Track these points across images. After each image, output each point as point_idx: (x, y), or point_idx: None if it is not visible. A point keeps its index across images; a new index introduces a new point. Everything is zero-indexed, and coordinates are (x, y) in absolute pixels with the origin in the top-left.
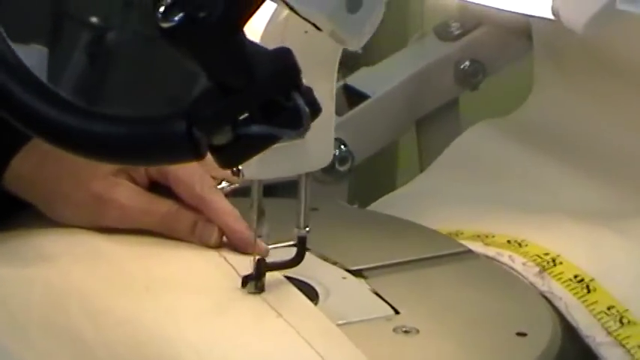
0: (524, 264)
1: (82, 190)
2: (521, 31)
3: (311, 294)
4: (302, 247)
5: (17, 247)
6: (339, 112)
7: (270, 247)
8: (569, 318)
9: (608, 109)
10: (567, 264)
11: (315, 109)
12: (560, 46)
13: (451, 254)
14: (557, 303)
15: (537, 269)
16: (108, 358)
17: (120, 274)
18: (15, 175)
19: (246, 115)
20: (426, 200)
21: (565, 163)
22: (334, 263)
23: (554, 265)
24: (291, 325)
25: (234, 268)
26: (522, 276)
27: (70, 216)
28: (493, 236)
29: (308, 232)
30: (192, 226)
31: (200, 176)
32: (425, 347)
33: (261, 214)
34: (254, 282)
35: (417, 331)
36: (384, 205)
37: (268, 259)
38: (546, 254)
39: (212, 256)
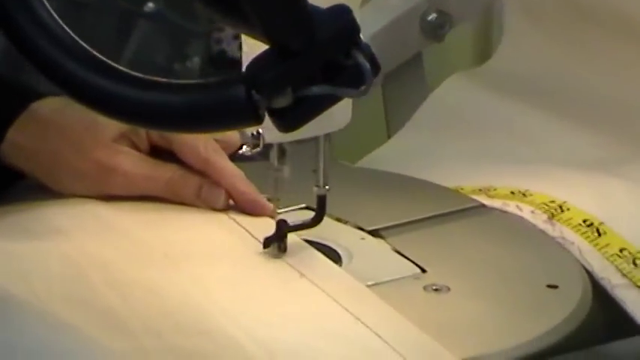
0: (532, 212)
1: (84, 158)
2: None
3: (333, 256)
4: (322, 206)
5: (24, 221)
6: None
7: (280, 211)
8: (583, 262)
9: (585, 56)
10: (575, 210)
11: (376, 66)
12: None
13: (465, 209)
14: (569, 248)
15: (546, 216)
16: (141, 329)
17: (135, 243)
18: (13, 146)
19: (306, 76)
20: (416, 157)
21: (548, 112)
22: (346, 223)
23: (562, 211)
24: (319, 287)
25: (246, 230)
26: (532, 224)
27: (73, 186)
28: (495, 189)
29: (328, 190)
30: (198, 190)
31: (204, 139)
32: (458, 305)
33: (282, 154)
34: (276, 244)
35: (448, 289)
36: (370, 163)
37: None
38: (552, 202)
39: (222, 219)
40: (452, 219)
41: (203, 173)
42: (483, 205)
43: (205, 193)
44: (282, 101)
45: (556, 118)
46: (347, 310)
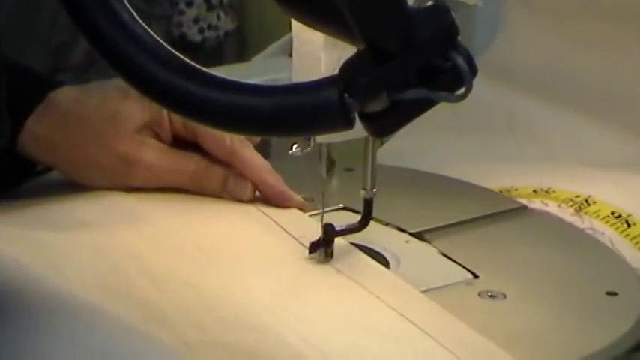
0: (559, 206)
1: (106, 151)
2: None
3: (381, 261)
4: (368, 210)
5: (49, 213)
6: None
7: (309, 213)
8: (615, 251)
9: (584, 48)
10: (600, 203)
11: (474, 69)
12: None
13: (508, 211)
14: (600, 238)
15: (573, 210)
16: (182, 321)
17: (166, 235)
18: (32, 137)
19: (402, 79)
20: (423, 156)
21: (551, 107)
22: (387, 225)
23: (588, 205)
24: (369, 290)
25: (275, 222)
26: (559, 218)
27: (94, 178)
28: (516, 189)
29: (375, 194)
30: (224, 182)
31: None
32: (518, 312)
33: (331, 165)
34: (323, 249)
35: (505, 296)
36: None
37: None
38: (577, 197)
39: (250, 210)
40: (495, 220)
41: (228, 165)
42: (525, 207)
43: (231, 185)
44: (377, 105)
45: (559, 113)
46: (403, 315)
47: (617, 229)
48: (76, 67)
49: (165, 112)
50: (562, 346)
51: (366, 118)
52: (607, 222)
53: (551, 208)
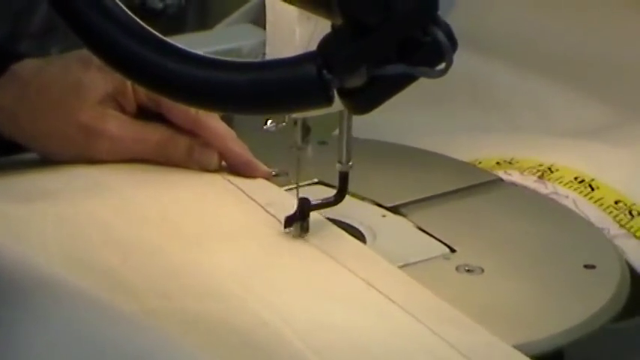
0: (521, 174)
1: (68, 122)
2: None
3: (357, 235)
4: (344, 183)
5: (13, 184)
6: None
7: (285, 188)
8: (579, 213)
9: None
10: (564, 169)
11: (454, 43)
12: None
13: (483, 183)
14: (563, 201)
15: (536, 177)
16: (146, 290)
17: (130, 204)
18: None
19: (381, 54)
20: (382, 128)
21: (514, 74)
22: (363, 200)
23: (552, 172)
24: (341, 264)
25: (242, 190)
26: (522, 185)
27: (57, 150)
28: (480, 162)
29: (351, 167)
30: (189, 151)
31: None
32: (496, 287)
33: (306, 132)
34: (298, 224)
35: (482, 270)
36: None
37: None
38: (540, 165)
39: (216, 179)
40: (470, 194)
41: (194, 134)
42: (501, 179)
43: (197, 154)
44: (356, 81)
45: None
46: (370, 284)
47: (580, 192)
48: (35, 34)
49: (128, 82)
50: (540, 320)
51: (345, 95)
52: (570, 187)
53: (515, 177)
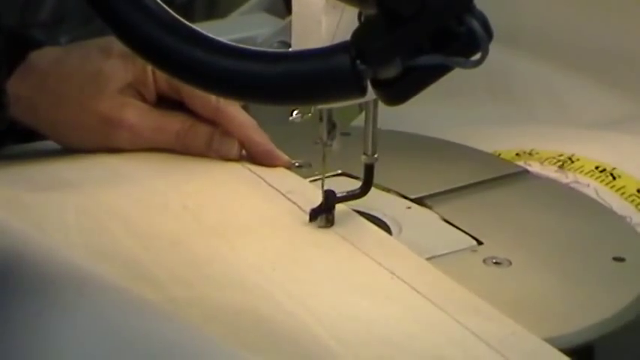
0: (541, 164)
1: (88, 111)
2: None
3: (382, 227)
4: (370, 175)
5: (32, 173)
6: (279, 15)
7: (308, 179)
8: (601, 201)
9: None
10: (584, 159)
11: (490, 33)
12: None
13: (509, 175)
14: (584, 190)
15: (556, 167)
16: (169, 279)
17: (151, 194)
18: (13, 98)
19: (415, 44)
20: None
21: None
22: (387, 191)
23: (572, 162)
24: (368, 255)
25: (263, 179)
26: (542, 175)
27: (76, 139)
28: (499, 153)
29: (376, 159)
30: (209, 140)
31: None
32: (524, 279)
33: (332, 127)
34: (324, 216)
35: (510, 263)
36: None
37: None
38: (561, 155)
39: (237, 168)
40: (496, 185)
41: (214, 123)
42: (526, 171)
43: (217, 143)
44: (390, 72)
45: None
46: (395, 274)
47: (602, 181)
48: (44, 23)
49: (149, 70)
50: (570, 313)
51: (378, 85)
52: (592, 175)
53: (535, 167)
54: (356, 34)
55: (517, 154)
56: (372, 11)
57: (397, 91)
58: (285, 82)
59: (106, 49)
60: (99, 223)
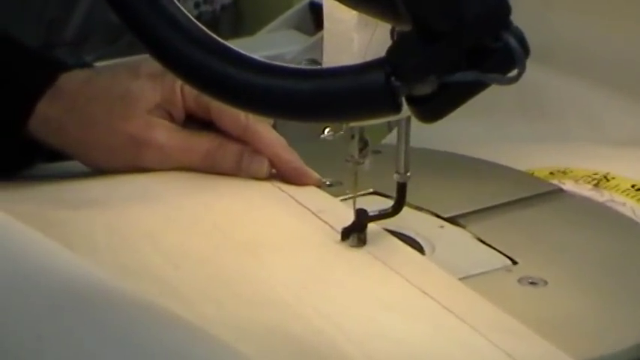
0: (576, 182)
1: (116, 132)
2: None
3: (415, 247)
4: (402, 194)
5: (58, 191)
6: (308, 32)
7: (339, 198)
8: (638, 220)
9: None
10: (620, 178)
11: (527, 50)
12: None
13: (543, 194)
14: (620, 209)
15: (591, 185)
16: (199, 298)
17: (180, 213)
18: (42, 120)
19: (451, 61)
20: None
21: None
22: (419, 210)
23: (607, 180)
24: (404, 278)
25: (291, 197)
26: (576, 194)
27: (105, 160)
28: (532, 172)
29: (409, 177)
30: (239, 159)
31: None
32: (560, 300)
33: (364, 145)
34: (356, 235)
35: (545, 282)
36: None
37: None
38: (595, 174)
39: (266, 187)
40: (530, 204)
41: (243, 141)
42: (561, 190)
43: (246, 162)
44: (425, 89)
45: (572, 90)
46: (443, 305)
47: (638, 200)
48: (69, 42)
49: (178, 90)
50: (609, 334)
51: (413, 102)
52: (627, 194)
53: (569, 185)
54: (391, 50)
55: (551, 173)
56: (406, 27)
57: (432, 108)
58: (319, 98)
59: (134, 70)
60: (127, 241)
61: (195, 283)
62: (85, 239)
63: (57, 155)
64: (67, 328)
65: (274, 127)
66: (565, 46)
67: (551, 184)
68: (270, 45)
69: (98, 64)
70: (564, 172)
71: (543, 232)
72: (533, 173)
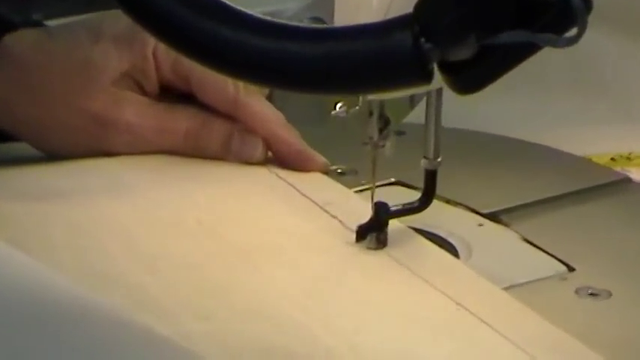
0: None
1: (75, 110)
2: None
3: (448, 249)
4: (431, 184)
5: (16, 181)
6: None
7: (354, 189)
8: None
9: None
10: None
11: (589, 4)
12: None
13: (605, 185)
14: None
15: None
16: (182, 310)
17: (157, 207)
18: None
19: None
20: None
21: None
22: (454, 205)
23: None
24: (435, 287)
25: (292, 186)
26: None
27: (62, 145)
28: (590, 158)
29: (439, 163)
30: (227, 140)
31: None
32: (625, 314)
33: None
34: (374, 235)
35: (609, 294)
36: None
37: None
38: None
39: (261, 174)
40: (589, 197)
41: (232, 118)
42: (628, 179)
43: (236, 144)
44: (463, 53)
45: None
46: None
47: None
48: None
49: (150, 55)
50: None
51: (448, 70)
52: None
53: (635, 174)
54: (419, 5)
55: (612, 159)
56: None
57: (471, 77)
58: (331, 64)
59: (94, 32)
60: (94, 241)
61: (176, 293)
62: (40, 239)
63: (5, 136)
64: (22, 348)
65: (269, 99)
66: (632, 8)
67: (614, 172)
68: (268, 0)
69: (50, 22)
70: (628, 158)
71: (606, 231)
72: (591, 159)
